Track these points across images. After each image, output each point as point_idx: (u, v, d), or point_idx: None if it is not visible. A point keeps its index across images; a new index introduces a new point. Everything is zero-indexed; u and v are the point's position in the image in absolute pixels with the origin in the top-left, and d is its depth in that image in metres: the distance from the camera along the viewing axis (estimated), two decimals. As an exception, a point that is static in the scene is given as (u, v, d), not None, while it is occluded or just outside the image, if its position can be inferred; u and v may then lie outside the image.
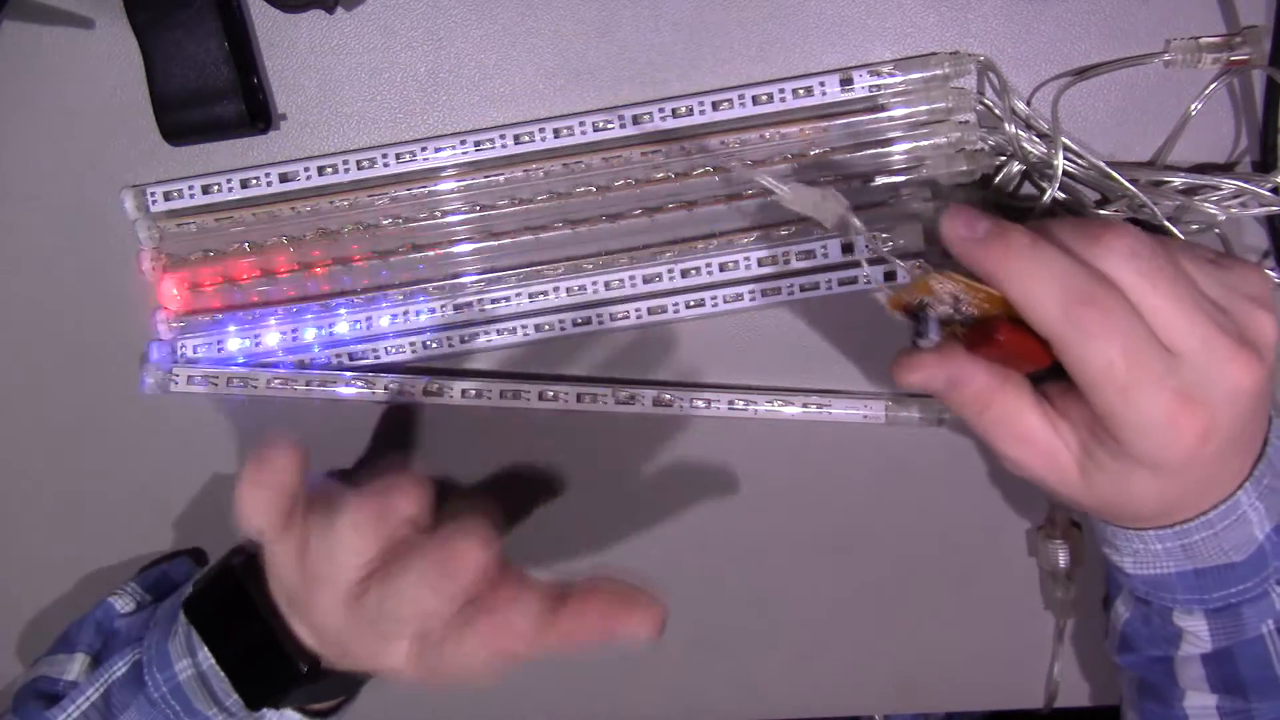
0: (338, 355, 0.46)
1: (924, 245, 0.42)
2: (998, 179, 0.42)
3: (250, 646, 0.39)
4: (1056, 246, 0.32)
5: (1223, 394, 0.32)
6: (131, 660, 0.42)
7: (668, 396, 0.45)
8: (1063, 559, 0.46)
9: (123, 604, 0.46)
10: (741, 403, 0.45)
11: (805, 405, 0.45)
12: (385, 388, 0.46)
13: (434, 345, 0.45)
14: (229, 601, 0.40)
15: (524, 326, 0.45)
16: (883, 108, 0.42)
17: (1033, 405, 0.35)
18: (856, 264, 0.43)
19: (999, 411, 0.35)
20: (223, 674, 0.39)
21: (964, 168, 0.42)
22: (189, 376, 0.46)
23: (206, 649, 0.40)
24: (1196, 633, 0.38)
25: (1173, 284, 0.32)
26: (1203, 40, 0.41)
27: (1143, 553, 0.37)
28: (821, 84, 0.42)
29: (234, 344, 0.46)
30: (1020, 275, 0.32)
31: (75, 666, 0.43)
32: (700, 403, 0.45)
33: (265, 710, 0.40)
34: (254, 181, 0.44)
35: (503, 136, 0.43)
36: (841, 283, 0.43)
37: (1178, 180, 0.41)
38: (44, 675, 0.43)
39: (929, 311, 0.35)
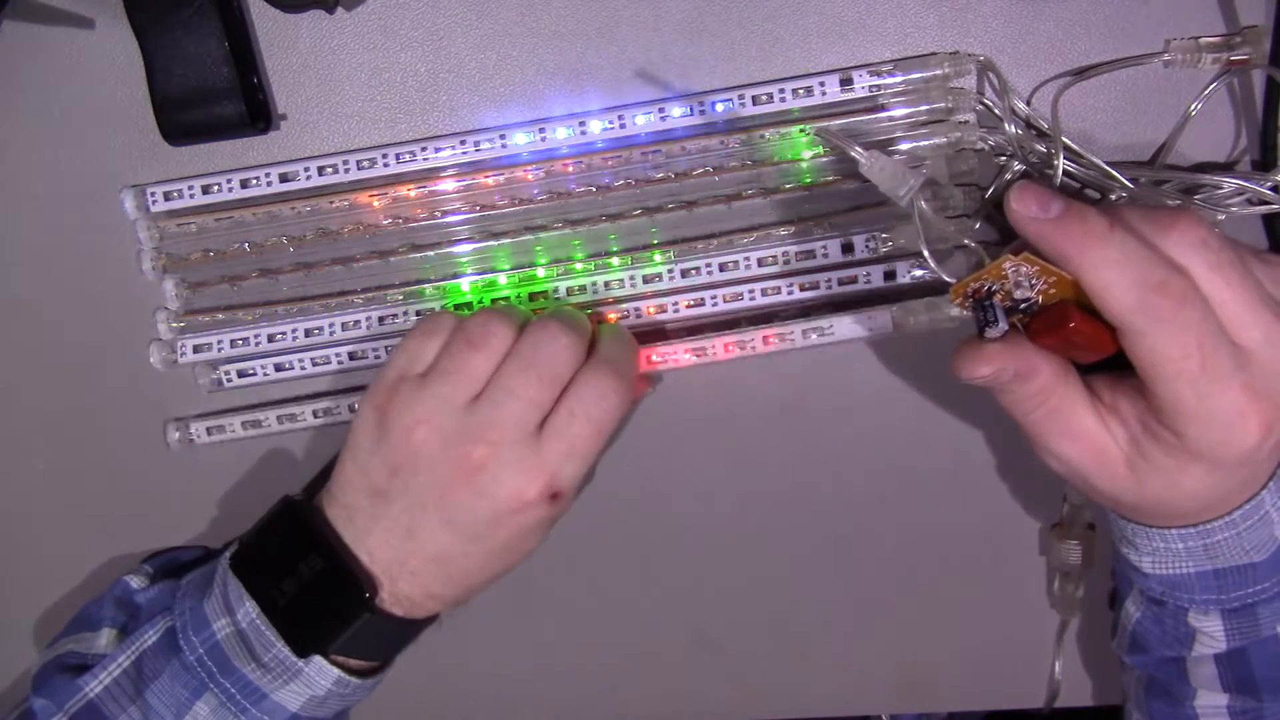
0: (338, 355, 0.46)
1: (924, 244, 0.42)
2: (998, 179, 0.42)
3: (308, 582, 0.39)
4: (1131, 231, 0.31)
5: None
6: (163, 628, 0.42)
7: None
8: (1076, 559, 0.46)
9: (138, 581, 0.46)
10: (739, 338, 0.44)
11: (806, 332, 0.44)
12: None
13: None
14: (285, 541, 0.40)
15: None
16: (883, 108, 0.42)
17: (1085, 401, 0.34)
18: (856, 264, 0.43)
19: (1054, 406, 0.34)
20: (264, 627, 0.39)
21: (964, 168, 0.42)
22: (208, 428, 0.47)
23: (249, 603, 0.40)
24: (1211, 633, 0.38)
25: (1242, 278, 0.32)
26: (1203, 40, 0.41)
27: (1163, 551, 0.37)
28: (821, 84, 0.42)
29: (234, 344, 0.46)
30: (1098, 260, 0.31)
31: (102, 640, 0.43)
32: (692, 355, 0.44)
33: (305, 664, 0.40)
34: (254, 181, 0.44)
35: (503, 136, 0.43)
36: (841, 282, 0.43)
37: (1178, 179, 0.41)
38: (70, 651, 0.43)
39: (996, 299, 0.34)
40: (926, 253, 0.36)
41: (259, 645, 0.40)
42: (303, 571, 0.39)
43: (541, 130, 0.43)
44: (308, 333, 0.46)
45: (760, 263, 0.43)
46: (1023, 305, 0.34)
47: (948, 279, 0.34)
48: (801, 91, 0.42)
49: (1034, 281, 0.33)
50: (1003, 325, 0.33)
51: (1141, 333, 0.31)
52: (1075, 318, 0.32)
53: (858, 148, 0.35)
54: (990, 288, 0.34)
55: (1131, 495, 0.35)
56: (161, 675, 0.41)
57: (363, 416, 0.40)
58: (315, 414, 0.47)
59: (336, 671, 0.41)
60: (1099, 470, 0.35)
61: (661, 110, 0.42)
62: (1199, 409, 0.31)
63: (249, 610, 0.40)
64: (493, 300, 0.45)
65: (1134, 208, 0.33)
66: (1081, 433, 0.34)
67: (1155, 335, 0.31)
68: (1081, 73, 0.42)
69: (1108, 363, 0.33)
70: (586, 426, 0.39)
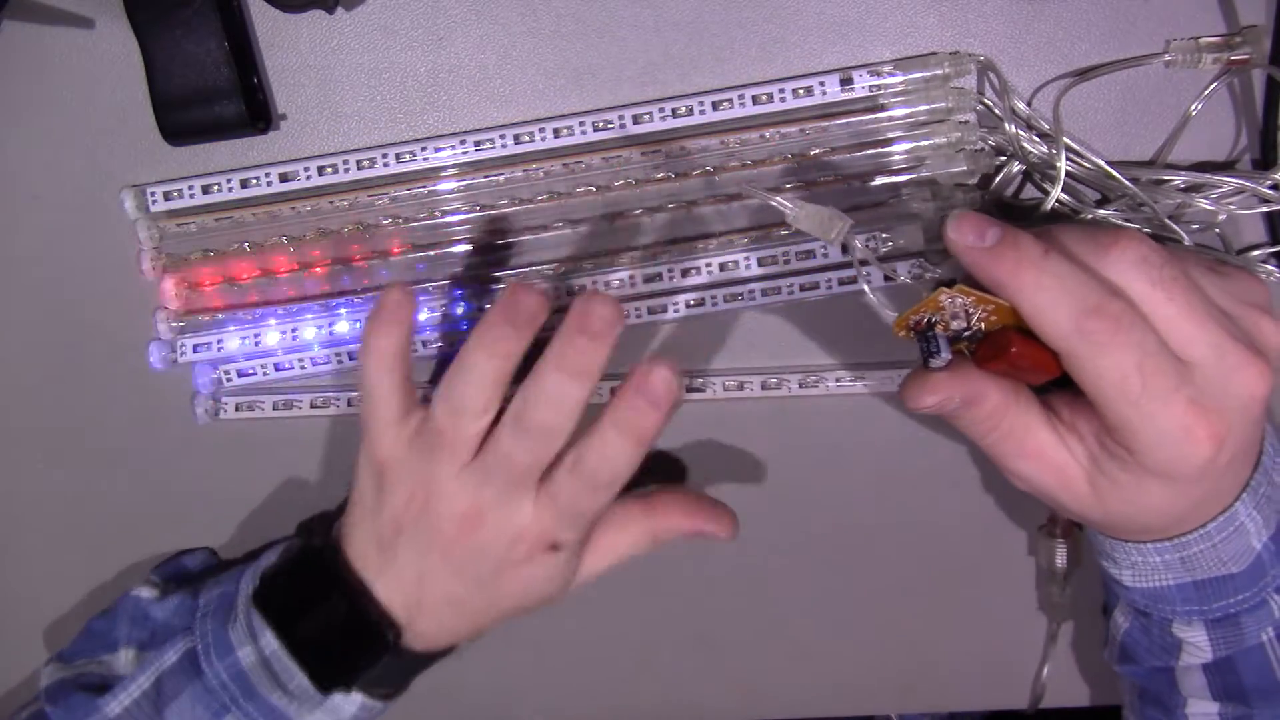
0: (337, 355, 0.46)
1: (924, 244, 0.42)
2: (998, 179, 0.42)
3: (331, 626, 0.40)
4: (1066, 255, 0.31)
5: (1237, 402, 0.32)
6: (183, 649, 0.42)
7: (699, 382, 0.45)
8: (1061, 558, 0.46)
9: (148, 592, 0.46)
10: (775, 381, 0.45)
11: (839, 379, 0.45)
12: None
13: (435, 345, 0.45)
14: (305, 587, 0.41)
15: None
16: (883, 108, 0.42)
17: (1042, 420, 0.34)
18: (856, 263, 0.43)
19: (1009, 428, 0.34)
20: (287, 660, 0.40)
21: (964, 168, 0.42)
22: (237, 404, 0.47)
23: (269, 635, 0.40)
24: (1197, 643, 0.38)
25: (1185, 292, 0.31)
26: (1203, 40, 0.41)
27: (1141, 565, 0.37)
28: (821, 84, 0.42)
29: (234, 344, 0.46)
30: (1033, 287, 0.31)
31: (120, 661, 0.43)
32: (731, 384, 0.45)
33: (334, 693, 0.40)
34: (254, 181, 0.44)
35: (503, 136, 0.43)
36: (841, 282, 0.43)
37: (1178, 179, 0.41)
38: (89, 671, 0.43)
39: (938, 330, 0.34)
40: (868, 287, 0.37)
41: (283, 674, 0.40)
42: (325, 614, 0.40)
43: (541, 130, 0.43)
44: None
45: (760, 262, 0.43)
46: (966, 334, 0.34)
47: (890, 313, 0.35)
48: (801, 91, 0.42)
49: (970, 311, 0.33)
50: (945, 355, 0.34)
51: (1080, 356, 0.31)
52: (1016, 343, 0.32)
53: (778, 199, 0.35)
54: (930, 319, 0.34)
55: (1096, 512, 0.35)
56: (181, 696, 0.41)
57: (363, 471, 0.40)
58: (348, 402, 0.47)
59: (361, 698, 0.41)
60: (1060, 488, 0.35)
61: (662, 110, 0.42)
62: (1145, 428, 0.31)
63: (270, 641, 0.40)
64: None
65: (1074, 228, 0.33)
66: (1040, 451, 0.34)
67: (1093, 359, 0.31)
68: (1082, 73, 0.42)
69: (1068, 380, 0.33)
70: (585, 489, 0.38)
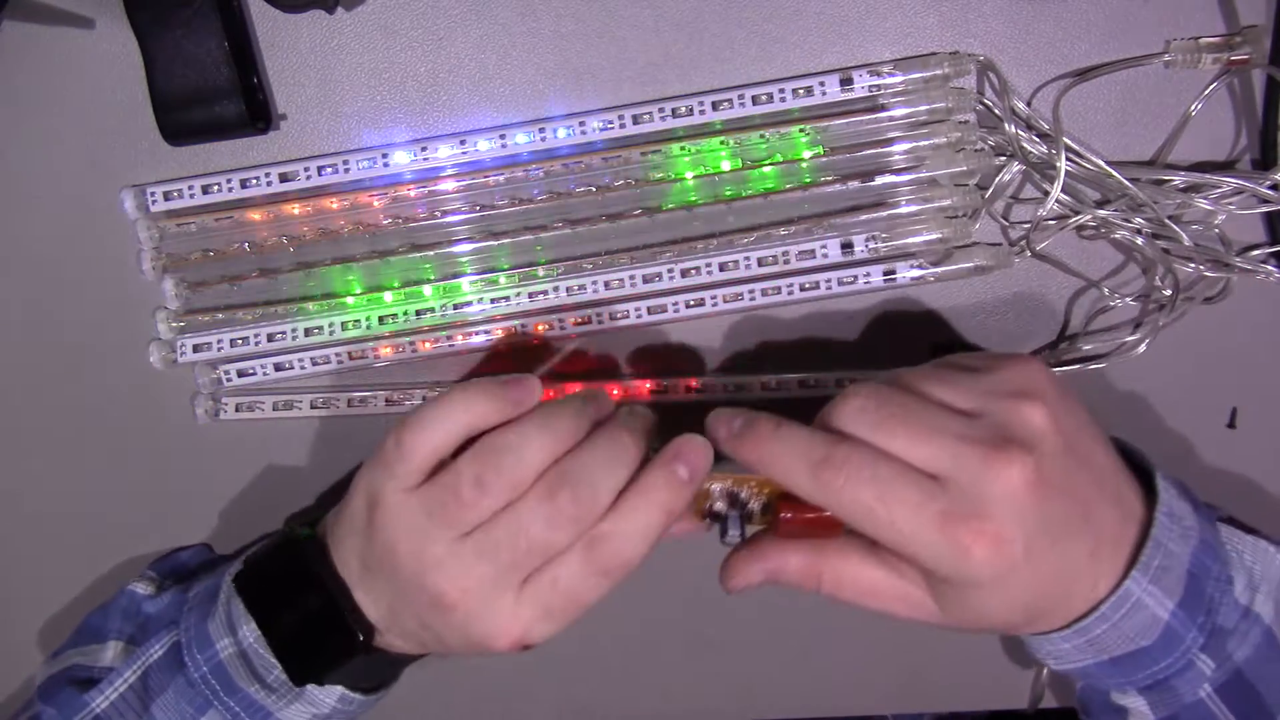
0: (338, 355, 0.46)
1: (941, 241, 0.43)
2: (997, 179, 0.42)
3: (305, 618, 0.39)
4: (798, 424, 0.35)
5: (998, 498, 0.32)
6: (169, 642, 0.42)
7: (699, 384, 0.45)
8: None
9: (145, 588, 0.46)
10: (775, 382, 0.45)
11: (839, 380, 0.45)
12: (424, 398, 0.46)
13: (434, 345, 0.45)
14: (285, 574, 0.40)
15: (524, 326, 0.45)
16: (883, 108, 0.42)
17: (867, 559, 0.36)
18: (856, 264, 0.43)
19: (834, 578, 0.37)
20: (264, 651, 0.39)
21: (964, 167, 0.42)
22: (237, 405, 0.47)
23: (249, 625, 0.39)
24: (1137, 709, 0.38)
25: (905, 423, 0.33)
26: (1203, 40, 0.41)
27: (1055, 652, 0.37)
28: (821, 84, 0.42)
29: (234, 344, 0.46)
30: (772, 457, 0.34)
31: (109, 653, 0.43)
32: (731, 385, 0.45)
33: (309, 686, 0.40)
34: (254, 181, 0.44)
35: (503, 136, 0.43)
36: (841, 283, 0.43)
37: (1178, 179, 0.41)
38: (77, 664, 0.43)
39: (723, 510, 0.37)
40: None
41: (261, 667, 0.40)
42: (302, 606, 0.39)
43: (541, 130, 0.43)
44: (308, 332, 0.46)
45: (760, 263, 0.43)
46: (754, 509, 0.37)
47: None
48: (801, 91, 0.42)
49: (734, 492, 0.36)
50: (733, 534, 0.37)
51: (829, 506, 0.34)
52: (785, 508, 0.35)
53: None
54: (709, 506, 0.37)
55: (953, 624, 0.36)
56: (167, 691, 0.41)
57: (357, 494, 0.38)
58: (349, 403, 0.47)
59: (340, 690, 0.41)
60: (911, 613, 0.37)
61: (661, 110, 0.42)
62: (914, 548, 0.33)
63: (247, 633, 0.40)
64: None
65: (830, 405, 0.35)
66: (876, 589, 0.37)
67: (838, 503, 0.33)
68: (1083, 74, 0.42)
69: None
70: (594, 574, 0.36)
